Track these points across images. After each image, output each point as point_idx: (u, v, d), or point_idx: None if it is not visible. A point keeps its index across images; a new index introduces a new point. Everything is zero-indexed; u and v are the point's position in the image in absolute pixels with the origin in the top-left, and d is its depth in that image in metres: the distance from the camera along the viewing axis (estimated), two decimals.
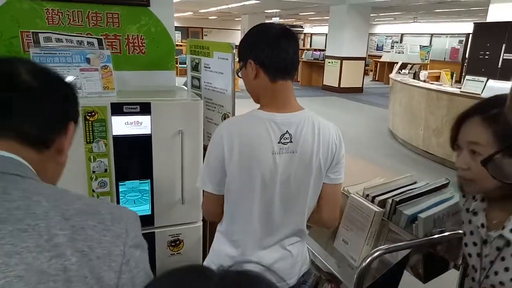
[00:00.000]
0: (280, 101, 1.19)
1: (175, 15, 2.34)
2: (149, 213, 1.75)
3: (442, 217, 1.32)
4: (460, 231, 1.36)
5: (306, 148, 1.19)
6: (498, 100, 0.88)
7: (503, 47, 7.79)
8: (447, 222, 1.34)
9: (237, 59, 1.31)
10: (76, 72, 1.58)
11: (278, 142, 1.17)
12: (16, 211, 0.54)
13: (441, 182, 1.47)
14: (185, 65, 2.41)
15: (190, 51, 2.23)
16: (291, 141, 1.17)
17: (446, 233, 1.32)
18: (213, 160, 1.20)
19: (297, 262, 1.32)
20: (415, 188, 1.45)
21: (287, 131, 1.17)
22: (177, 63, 10.05)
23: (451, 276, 1.49)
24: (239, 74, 1.26)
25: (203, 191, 1.27)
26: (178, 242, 1.83)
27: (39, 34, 1.52)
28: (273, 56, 1.17)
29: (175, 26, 2.28)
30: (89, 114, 1.54)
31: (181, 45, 12.71)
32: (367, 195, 1.47)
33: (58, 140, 0.69)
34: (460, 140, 0.94)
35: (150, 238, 1.77)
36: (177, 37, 13.83)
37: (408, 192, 1.42)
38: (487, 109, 0.90)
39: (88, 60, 1.60)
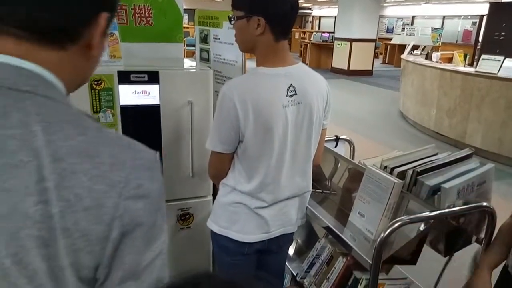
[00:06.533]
0: (279, 57, 1.25)
1: None
2: None
3: (467, 188, 1.25)
4: (485, 203, 1.29)
5: (309, 98, 1.27)
6: None
7: None
8: (471, 194, 1.27)
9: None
10: None
11: (286, 96, 1.22)
12: (11, 140, 0.46)
13: (465, 152, 1.39)
14: (192, 47, 2.34)
15: (199, 22, 2.15)
16: (295, 93, 1.24)
17: (470, 205, 1.26)
18: (225, 123, 1.21)
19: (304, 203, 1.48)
20: (437, 159, 1.38)
21: (291, 84, 1.23)
22: (184, 46, 9.93)
23: (473, 251, 1.43)
24: (232, 22, 1.26)
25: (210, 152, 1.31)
26: (188, 216, 1.79)
27: None
28: (284, 14, 1.19)
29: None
30: (95, 83, 1.48)
31: (188, 27, 12.53)
32: (385, 167, 1.40)
33: (88, 32, 0.54)
34: None
35: None
36: (184, 19, 13.60)
37: (429, 163, 1.35)
38: None
39: None
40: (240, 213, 1.31)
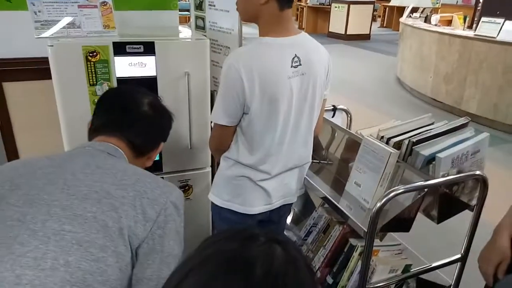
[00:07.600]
0: (283, 27, 1.21)
1: None
2: (157, 158, 1.72)
3: (461, 157, 1.28)
4: (478, 172, 1.33)
5: (313, 69, 1.25)
6: None
7: None
8: (466, 163, 1.30)
9: None
10: (74, 9, 1.48)
11: (291, 66, 1.20)
12: (107, 165, 0.93)
13: (461, 121, 1.41)
14: (185, 13, 2.25)
15: None
16: (300, 64, 1.22)
17: (464, 174, 1.29)
18: (230, 95, 1.19)
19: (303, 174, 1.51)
20: (432, 129, 1.39)
21: (295, 54, 1.21)
22: None
23: (464, 216, 1.48)
24: None
25: (212, 127, 1.33)
26: (187, 188, 1.82)
27: None
28: None
29: None
30: (90, 54, 1.45)
31: None
32: (382, 137, 1.42)
33: (150, 152, 1.13)
34: None
35: None
36: None
37: (425, 132, 1.36)
38: None
39: None
40: (244, 186, 1.33)
